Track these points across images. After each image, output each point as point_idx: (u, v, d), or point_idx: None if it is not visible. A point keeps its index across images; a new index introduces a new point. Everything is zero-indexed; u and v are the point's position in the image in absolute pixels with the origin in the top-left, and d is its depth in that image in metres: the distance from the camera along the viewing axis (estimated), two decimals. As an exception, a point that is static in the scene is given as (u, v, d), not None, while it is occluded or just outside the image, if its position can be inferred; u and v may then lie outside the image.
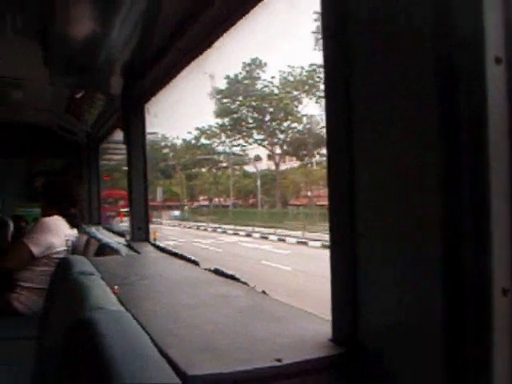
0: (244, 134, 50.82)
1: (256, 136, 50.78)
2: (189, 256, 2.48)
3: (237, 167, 55.54)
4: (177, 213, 51.42)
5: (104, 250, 3.10)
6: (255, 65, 48.86)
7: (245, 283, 1.80)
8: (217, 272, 2.04)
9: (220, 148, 54.13)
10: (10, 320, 3.92)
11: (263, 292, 1.66)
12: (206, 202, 58.91)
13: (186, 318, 1.38)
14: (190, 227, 41.45)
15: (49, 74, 3.11)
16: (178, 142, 55.06)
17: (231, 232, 32.91)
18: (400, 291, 0.96)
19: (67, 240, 4.11)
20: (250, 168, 54.60)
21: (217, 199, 58.66)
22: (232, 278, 1.90)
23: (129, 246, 3.21)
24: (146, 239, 3.31)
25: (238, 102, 49.53)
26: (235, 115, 49.73)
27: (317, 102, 44.75)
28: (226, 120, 50.84)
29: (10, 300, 4.00)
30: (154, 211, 49.35)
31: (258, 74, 48.97)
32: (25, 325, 3.86)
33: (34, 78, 4.00)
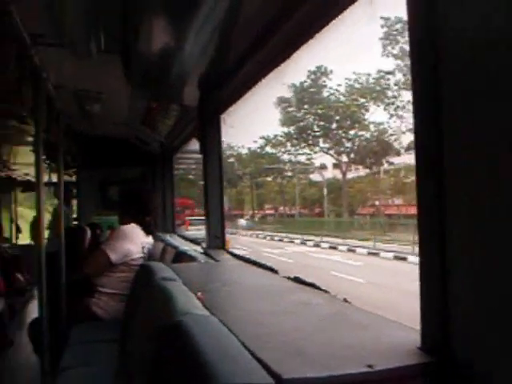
0: (310, 142, 50.66)
1: (322, 144, 50.53)
2: (267, 264, 2.52)
3: (302, 176, 55.35)
4: (243, 222, 51.64)
5: (181, 257, 3.18)
6: (320, 72, 48.66)
7: (325, 291, 1.82)
8: (296, 280, 2.06)
9: (285, 157, 54.16)
10: (89, 324, 4.09)
11: (345, 300, 1.68)
12: (271, 211, 58.96)
13: (272, 324, 1.41)
14: (256, 236, 41.58)
15: (128, 88, 3.24)
16: (243, 150, 55.43)
17: (298, 241, 32.68)
18: (493, 300, 0.95)
19: (143, 247, 4.24)
20: (315, 177, 54.33)
21: (282, 208, 58.62)
22: (312, 285, 1.92)
23: (205, 253, 3.29)
24: (223, 247, 3.38)
25: (303, 111, 49.44)
26: (301, 123, 49.62)
27: (385, 109, 44.16)
28: (292, 128, 50.81)
29: (90, 305, 4.16)
30: (219, 220, 49.72)
31: (323, 81, 48.75)
32: (104, 329, 4.01)
33: (113, 92, 4.17)
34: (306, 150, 51.36)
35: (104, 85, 4.05)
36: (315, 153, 51.06)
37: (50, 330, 3.44)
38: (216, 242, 3.36)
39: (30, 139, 6.16)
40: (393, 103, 43.57)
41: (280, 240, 35.34)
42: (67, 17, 2.67)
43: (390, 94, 43.77)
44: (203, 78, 2.99)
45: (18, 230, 12.04)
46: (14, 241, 11.55)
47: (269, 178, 57.64)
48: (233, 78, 2.80)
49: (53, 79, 3.68)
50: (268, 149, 54.11)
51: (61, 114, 4.26)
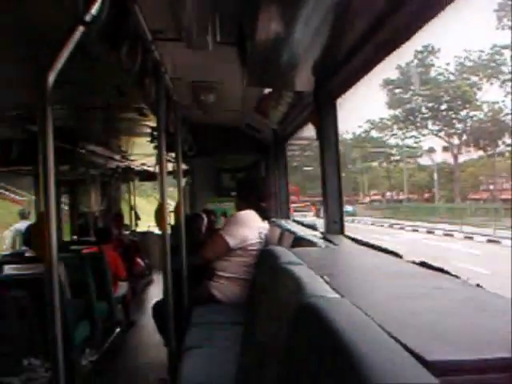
0: (417, 125, 49.02)
1: (431, 127, 48.73)
2: (390, 249, 2.50)
3: (410, 160, 53.65)
4: (349, 208, 50.86)
5: (300, 242, 3.22)
6: (428, 51, 46.83)
7: (456, 276, 1.78)
8: (423, 264, 2.04)
9: (391, 141, 52.76)
10: (209, 306, 4.25)
11: (477, 285, 1.64)
12: (378, 197, 57.73)
13: (405, 307, 1.41)
14: (364, 222, 40.84)
15: (242, 77, 3.31)
16: (348, 136, 54.50)
17: (409, 228, 31.72)
18: None
19: (260, 233, 4.35)
20: (423, 161, 52.56)
21: (389, 193, 57.26)
22: (441, 270, 1.89)
23: (324, 238, 3.31)
24: (341, 232, 3.39)
25: (410, 92, 47.87)
26: (408, 106, 48.12)
27: (501, 87, 41.85)
28: (398, 111, 49.38)
29: (209, 288, 4.33)
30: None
31: (431, 61, 46.90)
32: (223, 311, 4.16)
33: (227, 82, 4.29)
34: (414, 133, 49.80)
35: (219, 75, 4.18)
36: (423, 136, 49.35)
37: (173, 312, 3.62)
38: (334, 226, 3.38)
39: (148, 130, 6.46)
40: (510, 80, 41.14)
41: (390, 226, 34.49)
42: (185, 12, 2.78)
43: (506, 70, 41.43)
44: (318, 63, 3.00)
45: (137, 218, 12.68)
46: (133, 228, 12.18)
47: (374, 163, 56.42)
48: (349, 63, 2.78)
49: (170, 72, 3.84)
50: (373, 133, 53.00)
51: (177, 105, 4.43)
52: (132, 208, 12.51)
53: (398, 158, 54.40)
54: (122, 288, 7.16)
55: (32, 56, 3.21)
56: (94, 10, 1.96)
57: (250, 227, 4.34)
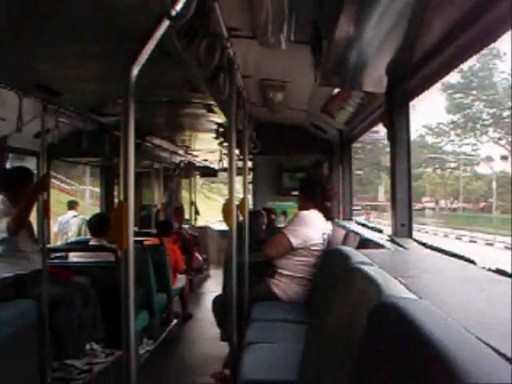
0: (477, 131, 47.39)
1: (491, 134, 47.07)
2: (462, 254, 2.46)
3: (466, 168, 51.98)
4: None
5: (366, 244, 3.20)
6: (492, 55, 45.22)
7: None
8: (499, 271, 1.99)
9: (448, 147, 51.19)
10: (269, 304, 4.28)
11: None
12: (431, 204, 56.10)
13: (487, 311, 1.39)
14: (417, 230, 39.55)
15: (313, 76, 3.32)
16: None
17: (466, 239, 30.63)
18: None
19: (323, 233, 4.34)
20: (479, 169, 50.89)
21: (443, 201, 55.66)
22: (519, 278, 1.84)
23: (392, 241, 3.28)
24: (409, 236, 3.35)
25: (471, 97, 46.32)
26: (468, 111, 46.59)
27: None
28: (458, 116, 47.88)
29: (270, 285, 4.36)
30: (374, 211, 48.33)
31: (494, 64, 45.25)
32: (283, 309, 4.18)
33: (297, 81, 4.30)
34: (472, 140, 48.18)
35: (289, 74, 4.19)
36: (481, 143, 47.67)
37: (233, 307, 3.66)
38: (402, 230, 3.34)
39: (214, 127, 6.55)
40: None
41: (445, 236, 33.44)
42: (262, 11, 2.81)
43: None
44: (392, 63, 2.97)
45: (197, 212, 12.86)
46: (192, 222, 12.37)
47: (428, 169, 54.82)
48: (427, 64, 2.74)
49: (242, 69, 3.88)
50: (429, 138, 51.60)
51: (246, 103, 4.48)
52: (192, 203, 12.69)
53: (453, 165, 52.88)
54: (181, 281, 7.28)
55: (115, 50, 3.32)
56: (179, 5, 2.01)
57: (314, 227, 4.33)
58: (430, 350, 1.02)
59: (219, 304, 4.59)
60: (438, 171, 54.81)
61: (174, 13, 2.00)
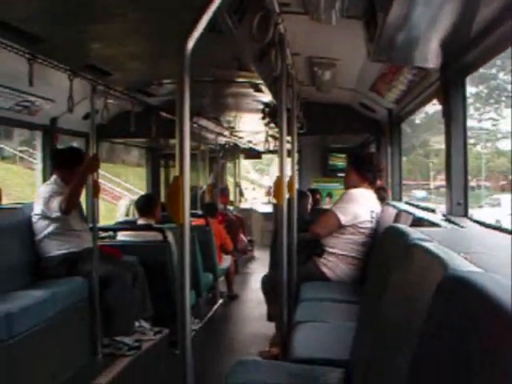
0: (501, 104, 45.12)
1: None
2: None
3: (487, 144, 49.77)
4: (419, 193, 46.52)
5: (420, 223, 3.13)
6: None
7: None
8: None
9: (469, 122, 49.20)
10: (317, 283, 4.27)
11: None
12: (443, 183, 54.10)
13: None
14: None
15: (370, 52, 3.24)
16: (419, 115, 51.13)
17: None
18: None
19: (372, 211, 4.29)
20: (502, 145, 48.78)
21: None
22: None
23: (447, 220, 3.21)
24: (465, 215, 3.27)
25: (496, 67, 44.30)
26: (493, 82, 44.54)
27: None
28: (481, 88, 45.80)
29: (319, 265, 4.34)
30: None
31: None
32: (332, 288, 4.16)
33: (346, 59, 4.23)
34: (493, 115, 45.99)
35: (339, 51, 4.12)
36: (503, 118, 45.49)
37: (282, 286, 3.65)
38: (458, 208, 3.27)
39: (260, 106, 6.51)
40: None
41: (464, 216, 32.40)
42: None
43: None
44: (448, 37, 2.87)
45: (241, 194, 12.91)
46: (237, 204, 12.42)
47: (443, 146, 52.80)
48: (485, 38, 2.65)
49: (291, 46, 3.82)
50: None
51: (294, 81, 4.42)
52: (237, 184, 12.74)
53: (472, 141, 50.84)
54: (226, 261, 7.34)
55: (166, 28, 3.32)
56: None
57: (363, 205, 4.29)
58: (504, 321, 0.98)
59: (268, 283, 4.59)
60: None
61: (228, -15, 1.97)
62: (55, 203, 4.42)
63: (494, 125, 47.44)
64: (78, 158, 4.75)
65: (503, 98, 44.72)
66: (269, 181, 25.73)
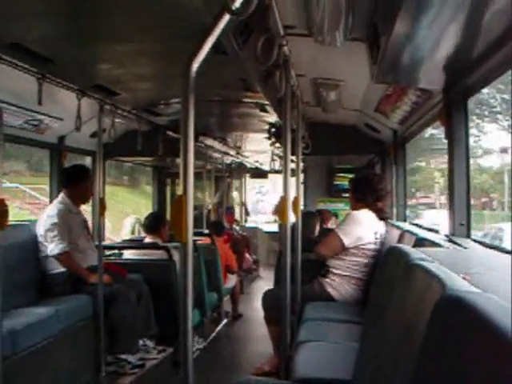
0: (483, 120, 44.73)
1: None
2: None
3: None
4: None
5: (422, 243, 3.14)
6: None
7: None
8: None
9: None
10: (321, 303, 4.26)
11: None
12: (425, 200, 53.78)
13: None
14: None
15: (373, 73, 3.28)
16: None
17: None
18: None
19: (375, 233, 4.29)
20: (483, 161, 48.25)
21: (443, 197, 53.28)
22: None
23: (450, 240, 3.22)
24: (468, 235, 3.28)
25: None
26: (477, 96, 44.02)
27: None
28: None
29: (323, 285, 4.34)
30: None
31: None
32: (336, 308, 4.16)
33: (351, 80, 4.27)
34: (475, 131, 45.62)
35: (344, 73, 4.16)
36: (484, 134, 45.17)
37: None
38: (461, 229, 3.28)
39: (265, 127, 6.55)
40: None
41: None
42: (319, 8, 2.79)
43: None
44: (451, 60, 2.91)
45: (247, 213, 12.93)
46: (242, 223, 12.43)
47: (422, 164, 52.54)
48: (487, 59, 2.67)
49: (296, 68, 3.87)
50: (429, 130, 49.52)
51: (300, 102, 4.46)
52: (242, 203, 12.76)
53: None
54: (232, 280, 7.33)
55: (172, 49, 3.38)
56: (239, 0, 2.01)
57: (366, 227, 4.30)
58: (501, 342, 0.99)
59: (269, 299, 4.58)
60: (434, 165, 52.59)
61: (234, 8, 2.00)
62: (52, 246, 4.53)
63: (474, 141, 47.10)
64: (82, 174, 4.82)
65: (486, 113, 44.43)
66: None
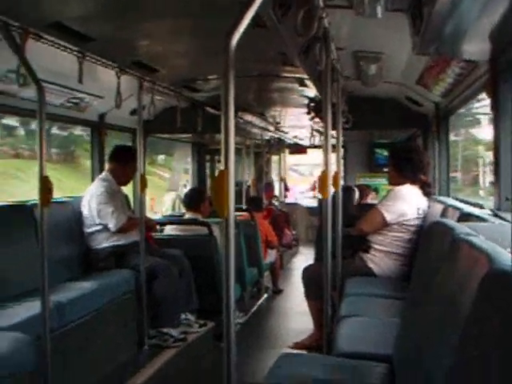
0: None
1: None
2: None
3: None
4: None
5: (467, 218, 3.08)
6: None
7: None
8: None
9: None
10: (363, 278, 4.25)
11: None
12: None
13: None
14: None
15: (415, 45, 3.20)
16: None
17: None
18: None
19: (418, 208, 4.24)
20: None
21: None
22: None
23: (495, 215, 3.16)
24: (514, 209, 3.20)
25: None
26: None
27: None
28: None
29: (365, 260, 4.33)
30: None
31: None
32: (377, 284, 4.15)
33: (392, 52, 4.17)
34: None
35: (385, 45, 4.07)
36: (478, 101, 43.22)
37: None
38: (507, 204, 3.20)
39: (305, 101, 6.49)
40: None
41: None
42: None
43: None
44: (496, 30, 2.81)
45: (286, 189, 12.91)
46: (282, 199, 12.42)
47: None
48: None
49: (336, 41, 3.80)
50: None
51: (339, 76, 4.40)
52: (282, 179, 12.73)
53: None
54: (271, 256, 7.36)
55: (211, 23, 3.35)
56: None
57: (409, 203, 4.24)
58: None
59: (309, 274, 4.59)
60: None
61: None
62: (113, 220, 4.69)
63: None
64: (132, 155, 4.89)
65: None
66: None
